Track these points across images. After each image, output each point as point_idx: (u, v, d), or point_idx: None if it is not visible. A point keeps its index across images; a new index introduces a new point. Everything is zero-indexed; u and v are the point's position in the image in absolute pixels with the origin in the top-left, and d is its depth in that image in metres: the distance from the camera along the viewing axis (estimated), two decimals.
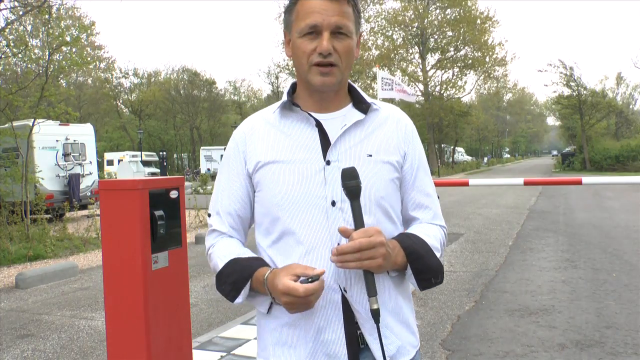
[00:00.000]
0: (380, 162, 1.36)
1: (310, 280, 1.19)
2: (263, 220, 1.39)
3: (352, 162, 1.31)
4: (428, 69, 45.25)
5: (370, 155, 1.35)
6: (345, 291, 1.29)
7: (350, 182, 1.22)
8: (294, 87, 1.46)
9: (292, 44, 1.38)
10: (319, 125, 1.37)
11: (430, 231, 1.39)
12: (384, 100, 8.75)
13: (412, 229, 1.41)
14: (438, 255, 1.36)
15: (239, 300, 1.33)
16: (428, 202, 1.44)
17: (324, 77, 1.33)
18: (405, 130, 1.44)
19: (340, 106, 1.41)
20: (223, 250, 1.39)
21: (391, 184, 1.37)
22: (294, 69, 1.42)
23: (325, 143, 1.35)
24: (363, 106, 1.41)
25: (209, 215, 1.48)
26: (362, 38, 1.46)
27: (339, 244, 1.26)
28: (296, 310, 1.23)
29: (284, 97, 1.41)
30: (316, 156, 1.34)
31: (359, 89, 1.45)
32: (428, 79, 45.38)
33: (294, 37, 1.36)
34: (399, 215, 1.42)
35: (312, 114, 1.37)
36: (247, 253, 1.38)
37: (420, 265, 1.31)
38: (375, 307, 1.19)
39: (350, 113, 1.40)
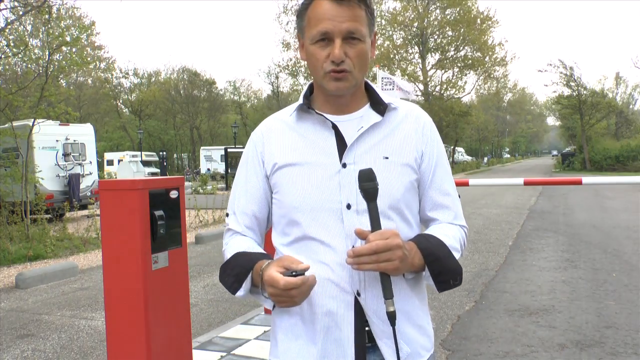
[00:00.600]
0: (397, 165, 1.34)
1: (294, 274, 1.17)
2: (280, 221, 1.39)
3: (368, 165, 1.30)
4: (428, 69, 45.26)
5: (387, 158, 1.34)
6: (359, 295, 1.29)
7: (367, 183, 1.21)
8: (311, 89, 1.45)
9: (306, 49, 1.37)
10: (335, 127, 1.36)
11: (450, 231, 1.38)
12: None
13: (431, 230, 1.39)
14: (457, 256, 1.35)
15: (240, 293, 1.32)
16: (447, 202, 1.42)
17: (338, 83, 1.32)
18: (424, 129, 1.41)
19: (357, 107, 1.40)
20: (234, 246, 1.40)
21: (408, 186, 1.35)
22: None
23: (342, 146, 1.34)
24: (380, 107, 1.39)
25: (227, 215, 1.49)
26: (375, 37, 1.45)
27: (353, 247, 1.26)
28: (281, 304, 1.23)
29: (301, 100, 1.41)
30: (332, 159, 1.33)
31: (376, 89, 1.43)
32: (428, 79, 45.38)
33: (306, 43, 1.35)
34: (416, 216, 1.40)
35: (328, 116, 1.37)
36: (255, 248, 1.38)
37: (438, 267, 1.30)
38: (391, 309, 1.18)
39: (367, 114, 1.39)
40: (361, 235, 1.21)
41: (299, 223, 1.33)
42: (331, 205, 1.30)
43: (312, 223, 1.31)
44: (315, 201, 1.31)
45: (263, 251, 1.38)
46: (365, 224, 1.24)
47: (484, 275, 6.96)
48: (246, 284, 1.31)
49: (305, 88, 1.46)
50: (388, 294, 1.18)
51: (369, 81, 1.44)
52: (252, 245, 1.40)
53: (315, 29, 1.30)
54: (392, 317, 1.18)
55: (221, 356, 4.16)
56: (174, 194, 2.98)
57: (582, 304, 5.52)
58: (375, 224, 1.21)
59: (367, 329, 1.30)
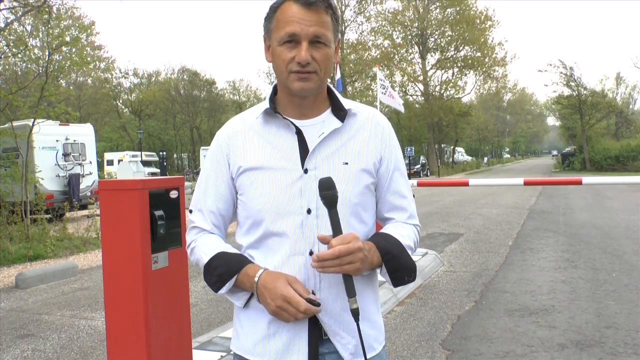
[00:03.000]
0: (356, 170, 1.41)
1: (315, 303, 1.28)
2: (245, 222, 1.46)
3: (328, 170, 1.37)
4: (428, 69, 45.25)
5: (347, 164, 1.40)
6: (314, 294, 1.36)
7: (327, 192, 1.27)
8: (275, 90, 1.50)
9: (272, 51, 1.41)
10: (298, 132, 1.41)
11: (404, 231, 1.45)
12: (381, 103, 8.71)
13: (387, 229, 1.46)
14: (411, 253, 1.43)
15: (222, 291, 1.40)
16: (403, 204, 1.50)
17: (303, 83, 1.37)
18: (382, 134, 1.48)
19: (319, 111, 1.45)
20: (208, 245, 1.46)
21: (365, 190, 1.43)
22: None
23: (304, 151, 1.40)
24: (341, 113, 1.45)
25: (190, 211, 1.52)
26: (340, 43, 1.50)
27: (311, 251, 1.35)
28: (280, 316, 1.31)
29: (266, 104, 1.45)
30: (294, 164, 1.39)
31: (337, 93, 1.49)
32: (428, 79, 45.37)
33: (273, 44, 1.40)
34: (372, 218, 1.48)
35: (292, 120, 1.42)
36: (231, 249, 1.44)
37: (395, 264, 1.38)
38: (355, 306, 1.26)
39: (328, 119, 1.44)
40: (324, 240, 1.29)
41: (262, 225, 1.40)
42: (292, 210, 1.37)
43: (274, 226, 1.38)
44: (277, 205, 1.38)
45: (236, 250, 1.45)
46: (323, 228, 1.34)
47: (484, 275, 6.96)
48: (229, 284, 1.39)
49: (270, 90, 1.50)
50: (351, 293, 1.27)
51: (331, 86, 1.49)
52: (226, 246, 1.46)
53: (283, 30, 1.35)
54: (355, 313, 1.26)
55: (221, 356, 4.16)
56: (174, 194, 2.98)
57: (582, 304, 5.52)
58: (337, 229, 1.28)
59: (319, 323, 1.38)
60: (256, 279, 1.33)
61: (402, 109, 10.17)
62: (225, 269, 1.38)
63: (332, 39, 1.39)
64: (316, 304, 1.28)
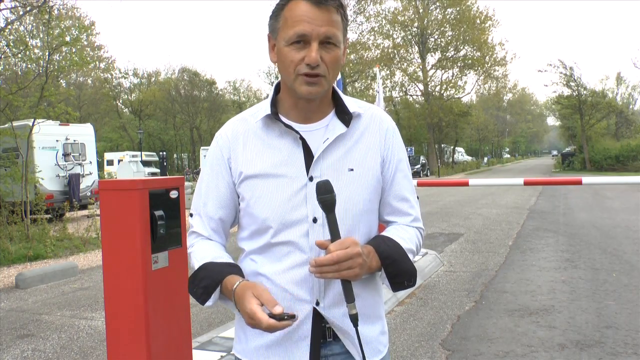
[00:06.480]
0: (361, 176, 1.37)
1: (285, 317, 1.19)
2: (247, 228, 1.41)
3: (334, 177, 1.32)
4: (428, 68, 45.27)
5: (352, 170, 1.36)
6: (318, 304, 1.34)
7: (325, 195, 1.23)
8: (277, 89, 1.43)
9: (278, 51, 1.34)
10: (302, 139, 1.36)
11: (406, 234, 1.41)
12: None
13: (389, 231, 1.42)
14: (412, 257, 1.39)
15: (209, 303, 1.35)
16: (405, 207, 1.45)
17: (310, 87, 1.30)
18: (386, 134, 1.43)
19: (323, 115, 1.40)
20: (200, 253, 1.41)
21: (371, 195, 1.39)
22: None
23: (308, 158, 1.35)
24: (346, 117, 1.39)
25: (191, 215, 1.48)
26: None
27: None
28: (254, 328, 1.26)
29: (267, 108, 1.39)
30: (299, 172, 1.34)
31: (341, 94, 1.43)
32: (428, 79, 45.39)
33: (280, 44, 1.33)
34: (376, 222, 1.45)
35: (295, 126, 1.36)
36: (222, 257, 1.40)
37: (395, 269, 1.34)
38: (353, 312, 1.23)
39: (332, 124, 1.39)
40: (321, 246, 1.26)
41: (267, 233, 1.36)
42: (298, 219, 1.33)
43: (279, 235, 1.34)
44: (283, 214, 1.33)
45: (229, 258, 1.41)
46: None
47: (484, 275, 6.96)
48: (214, 296, 1.34)
49: (271, 92, 1.44)
50: (350, 299, 1.24)
51: (336, 87, 1.44)
52: (219, 253, 1.41)
53: (292, 29, 1.28)
54: (354, 319, 1.23)
55: (221, 356, 4.16)
56: (174, 194, 2.98)
57: (582, 304, 5.52)
58: (335, 234, 1.24)
59: (327, 325, 1.36)
60: (233, 293, 1.29)
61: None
62: (209, 280, 1.33)
63: (342, 40, 1.33)
64: (289, 316, 1.20)
